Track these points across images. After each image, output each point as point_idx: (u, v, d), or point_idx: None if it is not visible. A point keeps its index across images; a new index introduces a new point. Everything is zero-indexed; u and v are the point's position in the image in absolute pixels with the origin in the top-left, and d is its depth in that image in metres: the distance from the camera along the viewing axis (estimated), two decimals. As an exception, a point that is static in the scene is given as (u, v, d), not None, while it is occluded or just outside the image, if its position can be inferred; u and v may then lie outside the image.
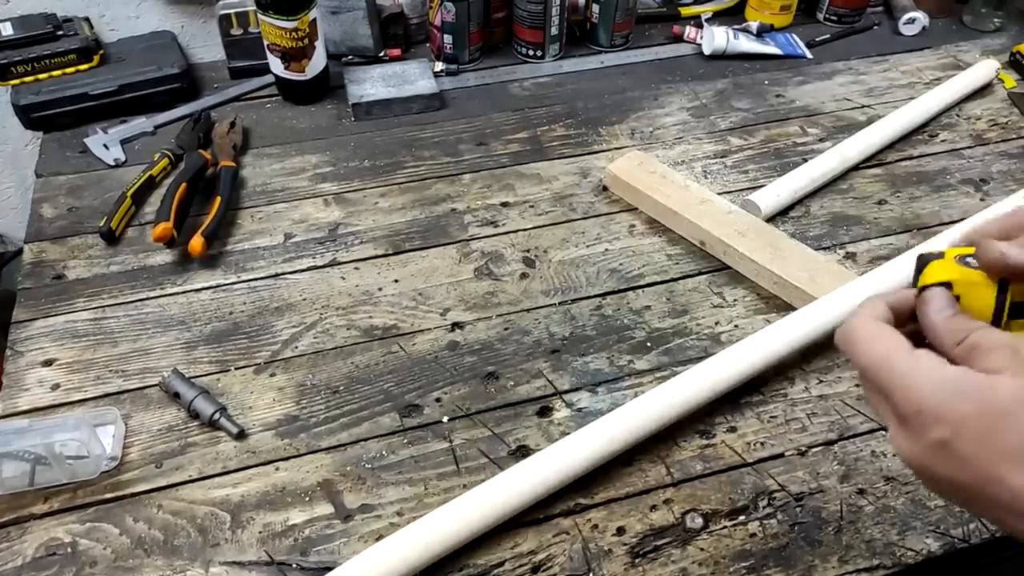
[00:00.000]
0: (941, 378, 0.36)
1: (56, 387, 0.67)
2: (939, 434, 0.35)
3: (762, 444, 0.64)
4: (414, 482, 0.61)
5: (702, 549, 0.57)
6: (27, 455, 0.59)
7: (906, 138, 0.97)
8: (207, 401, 0.65)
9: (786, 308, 0.75)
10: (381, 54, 1.08)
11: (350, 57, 1.07)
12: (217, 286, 0.77)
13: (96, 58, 0.98)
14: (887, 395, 0.38)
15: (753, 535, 0.58)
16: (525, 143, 0.95)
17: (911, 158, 0.93)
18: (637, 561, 0.57)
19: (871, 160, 0.93)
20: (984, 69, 1.04)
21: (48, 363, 0.69)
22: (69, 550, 0.57)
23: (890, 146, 0.95)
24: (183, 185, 0.82)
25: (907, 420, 0.37)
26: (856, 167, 0.92)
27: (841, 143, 0.91)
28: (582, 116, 0.99)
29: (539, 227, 0.84)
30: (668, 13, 1.18)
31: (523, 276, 0.78)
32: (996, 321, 0.38)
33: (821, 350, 0.71)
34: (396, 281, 0.78)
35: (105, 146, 0.92)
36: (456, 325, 0.73)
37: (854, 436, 0.65)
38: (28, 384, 0.68)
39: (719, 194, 0.85)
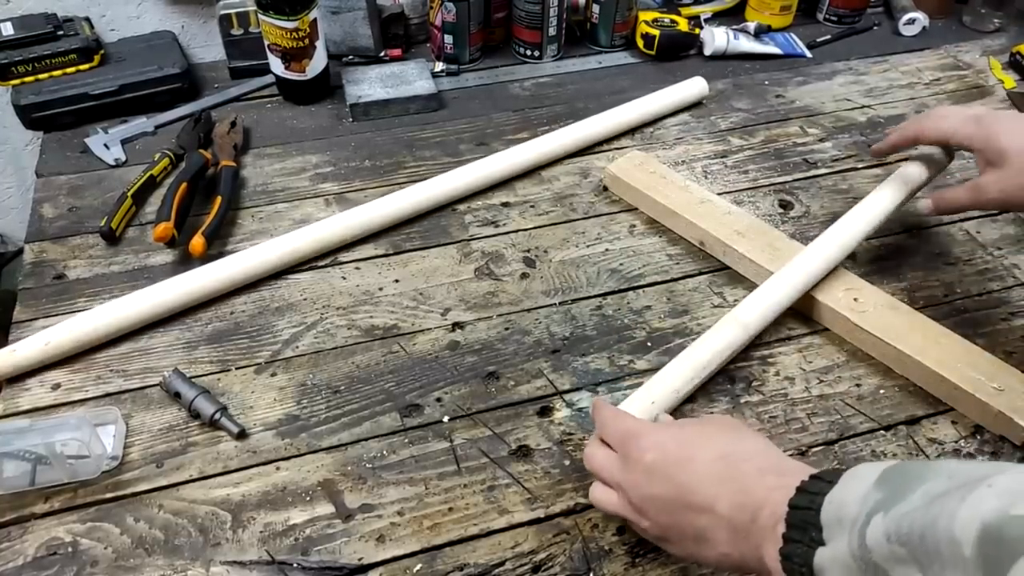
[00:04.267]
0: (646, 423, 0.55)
1: (57, 387, 0.67)
2: (650, 457, 0.50)
3: (762, 444, 0.64)
4: (415, 482, 0.61)
5: (702, 549, 0.57)
6: (28, 455, 0.59)
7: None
8: (208, 401, 0.65)
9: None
10: (381, 54, 1.08)
11: (351, 57, 1.07)
12: (218, 286, 0.77)
13: (97, 58, 0.98)
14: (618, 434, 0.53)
15: (753, 535, 0.58)
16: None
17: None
18: (637, 561, 0.57)
19: (872, 160, 0.93)
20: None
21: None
22: (70, 550, 0.57)
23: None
24: (184, 185, 0.82)
25: (626, 448, 0.52)
26: (856, 168, 0.92)
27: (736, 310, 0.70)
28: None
29: (539, 227, 0.84)
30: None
31: (523, 276, 0.78)
32: None
33: (821, 350, 0.71)
34: (397, 281, 0.78)
35: (106, 146, 0.92)
36: (457, 325, 0.74)
37: (854, 436, 0.65)
38: (29, 384, 0.68)
39: (719, 194, 0.85)
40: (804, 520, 0.41)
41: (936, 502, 0.34)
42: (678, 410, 0.65)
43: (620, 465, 0.52)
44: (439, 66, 1.06)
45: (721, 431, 0.52)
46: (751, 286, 0.77)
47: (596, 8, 1.09)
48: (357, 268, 0.79)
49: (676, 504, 0.49)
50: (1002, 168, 0.64)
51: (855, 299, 0.72)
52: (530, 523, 0.59)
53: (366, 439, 0.64)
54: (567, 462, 0.63)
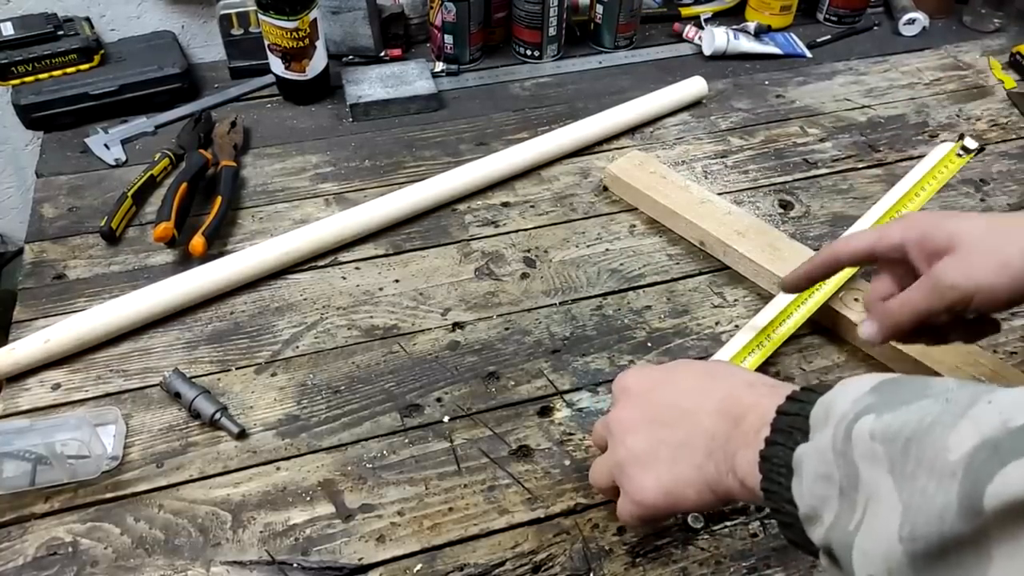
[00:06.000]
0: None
1: (57, 387, 0.67)
2: (632, 384, 0.51)
3: (762, 444, 0.64)
4: (415, 482, 0.61)
5: (703, 549, 0.57)
6: (28, 455, 0.59)
7: (906, 138, 0.97)
8: (208, 401, 0.65)
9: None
10: (382, 54, 1.08)
11: (351, 57, 1.07)
12: (218, 286, 0.77)
13: (97, 58, 0.98)
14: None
15: (754, 535, 0.58)
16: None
17: (911, 158, 0.93)
18: (638, 561, 0.57)
19: (871, 159, 0.93)
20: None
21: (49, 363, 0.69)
22: (70, 550, 0.57)
23: (890, 145, 0.95)
24: (184, 185, 0.82)
25: (614, 397, 0.52)
26: (856, 168, 0.92)
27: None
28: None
29: (540, 227, 0.84)
30: (668, 13, 1.18)
31: (524, 276, 0.78)
32: None
33: (821, 350, 0.71)
34: (397, 281, 0.78)
35: (106, 146, 0.92)
36: (457, 325, 0.73)
37: (854, 436, 0.65)
38: (29, 384, 0.68)
39: (719, 194, 0.85)
40: (791, 425, 0.39)
41: (932, 416, 0.32)
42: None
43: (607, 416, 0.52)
44: (439, 66, 1.06)
45: (706, 363, 0.52)
46: (751, 286, 0.77)
47: (600, 8, 1.09)
48: (357, 268, 0.79)
49: (656, 422, 0.47)
50: (959, 251, 0.50)
51: (855, 299, 0.72)
52: (530, 523, 0.59)
53: (366, 439, 0.64)
54: (567, 462, 0.63)
